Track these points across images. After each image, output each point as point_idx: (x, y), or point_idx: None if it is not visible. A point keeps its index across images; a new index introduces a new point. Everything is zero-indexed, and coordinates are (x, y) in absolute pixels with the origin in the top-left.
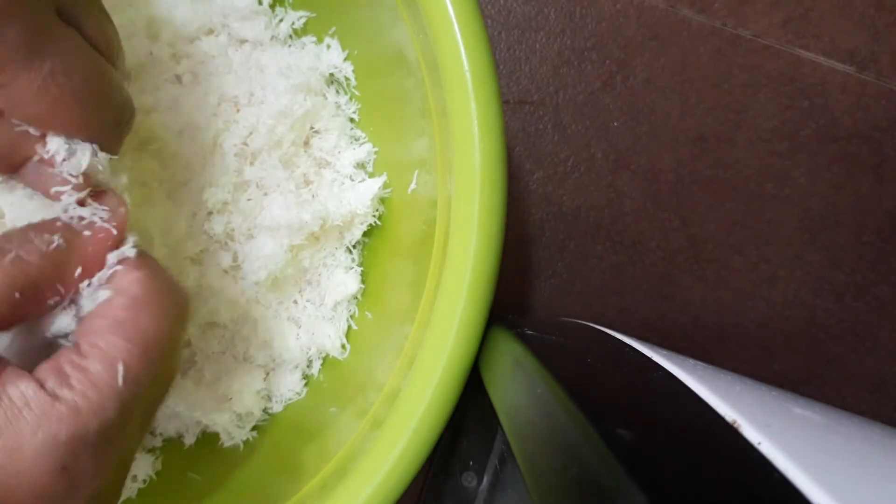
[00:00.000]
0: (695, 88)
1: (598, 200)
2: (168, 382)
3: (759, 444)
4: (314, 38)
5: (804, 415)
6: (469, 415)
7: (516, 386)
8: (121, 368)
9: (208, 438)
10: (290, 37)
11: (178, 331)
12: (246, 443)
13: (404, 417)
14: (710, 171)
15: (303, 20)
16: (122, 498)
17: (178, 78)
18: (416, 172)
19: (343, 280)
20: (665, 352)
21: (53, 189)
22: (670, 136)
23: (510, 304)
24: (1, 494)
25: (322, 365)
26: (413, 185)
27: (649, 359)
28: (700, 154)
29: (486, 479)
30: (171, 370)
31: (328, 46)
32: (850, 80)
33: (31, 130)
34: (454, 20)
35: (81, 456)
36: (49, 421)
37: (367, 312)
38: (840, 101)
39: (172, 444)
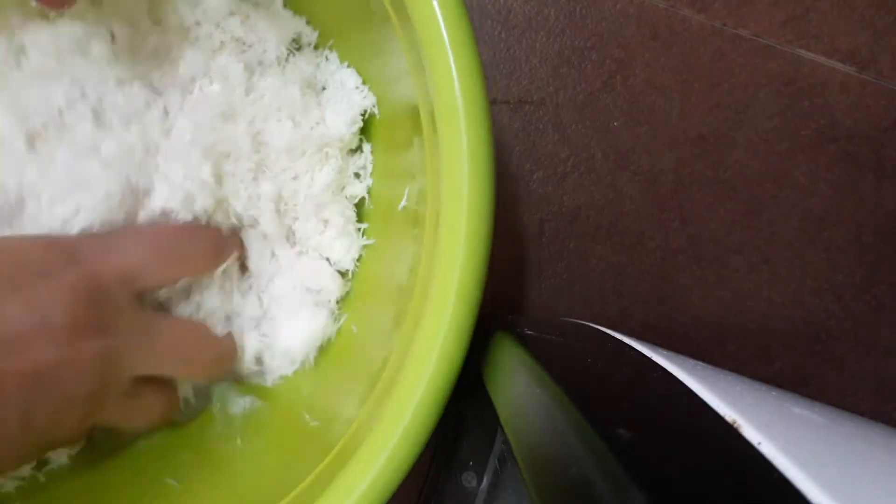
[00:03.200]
0: (695, 88)
1: (598, 200)
2: None
3: (759, 444)
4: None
5: (804, 415)
6: (469, 415)
7: (516, 386)
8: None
9: (199, 442)
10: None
11: None
12: (233, 447)
13: (393, 421)
14: (710, 171)
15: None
16: None
17: None
18: (407, 189)
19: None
20: (665, 352)
21: None
22: (670, 136)
23: (510, 305)
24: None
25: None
26: (404, 202)
27: (649, 359)
28: (700, 154)
29: (486, 479)
30: None
31: (326, 58)
32: (850, 81)
33: None
34: (448, 45)
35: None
36: None
37: (352, 326)
38: (840, 102)
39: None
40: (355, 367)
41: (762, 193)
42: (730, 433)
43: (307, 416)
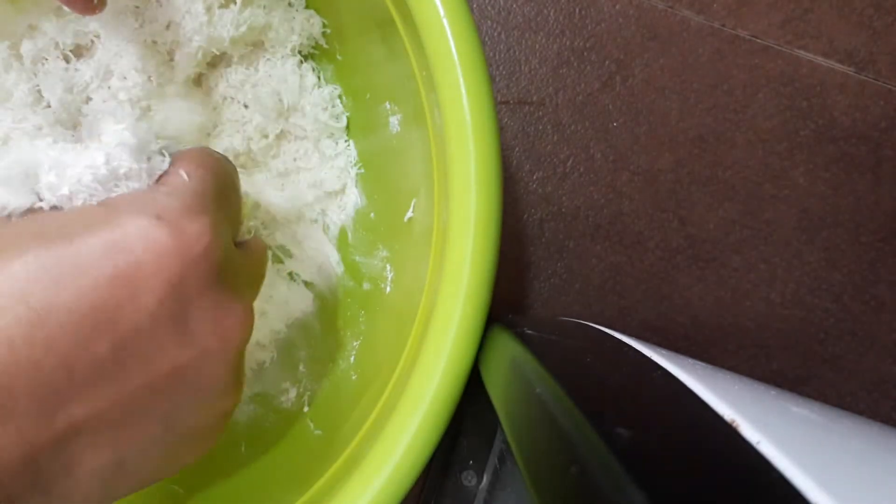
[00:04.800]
0: (694, 89)
1: (598, 200)
2: (233, 188)
3: (758, 443)
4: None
5: (802, 414)
6: (469, 415)
7: (516, 385)
8: (183, 173)
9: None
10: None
11: (228, 175)
12: (237, 453)
13: (402, 424)
14: (709, 171)
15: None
16: None
17: None
18: (414, 201)
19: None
20: (664, 351)
21: None
22: (669, 137)
23: (510, 304)
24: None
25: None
26: (410, 214)
27: (648, 358)
28: (699, 154)
29: (486, 478)
30: (232, 184)
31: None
32: (849, 81)
33: None
34: (457, 63)
35: (173, 211)
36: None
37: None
38: (839, 102)
39: None
40: (361, 375)
41: (761, 193)
42: (729, 432)
43: (311, 425)
